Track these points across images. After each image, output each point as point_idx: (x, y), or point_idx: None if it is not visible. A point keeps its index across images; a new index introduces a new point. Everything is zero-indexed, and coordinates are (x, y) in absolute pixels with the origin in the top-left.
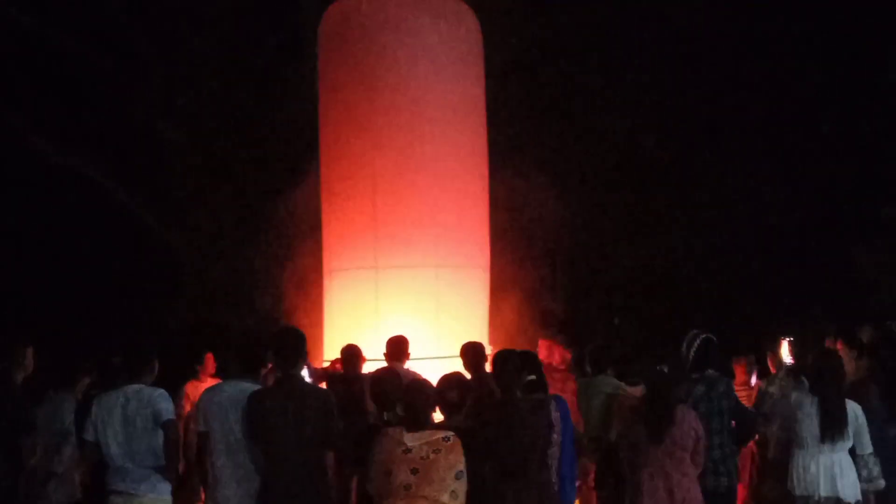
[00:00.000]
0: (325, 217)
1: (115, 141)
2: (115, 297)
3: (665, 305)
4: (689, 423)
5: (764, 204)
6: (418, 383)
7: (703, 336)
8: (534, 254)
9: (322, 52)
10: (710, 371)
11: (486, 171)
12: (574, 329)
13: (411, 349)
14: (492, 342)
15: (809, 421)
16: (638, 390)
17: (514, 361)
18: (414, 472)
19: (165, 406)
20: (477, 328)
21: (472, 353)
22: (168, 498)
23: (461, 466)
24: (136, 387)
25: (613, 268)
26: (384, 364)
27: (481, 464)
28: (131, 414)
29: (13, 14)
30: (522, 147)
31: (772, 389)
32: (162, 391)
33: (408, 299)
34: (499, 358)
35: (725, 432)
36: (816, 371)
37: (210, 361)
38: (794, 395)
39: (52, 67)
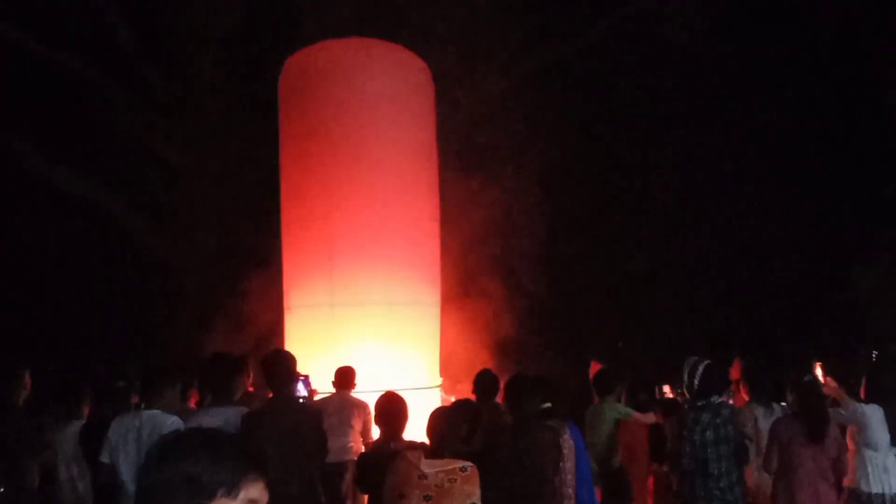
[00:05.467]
0: (285, 257)
1: (116, 162)
2: (110, 318)
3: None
4: (833, 433)
5: (762, 225)
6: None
7: (706, 363)
8: (490, 288)
9: (282, 101)
10: (715, 397)
11: (437, 214)
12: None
13: (366, 382)
14: (443, 374)
15: (882, 427)
16: (650, 416)
17: (526, 386)
18: (427, 498)
19: None
20: (427, 362)
21: (485, 380)
22: None
23: (476, 498)
24: (150, 412)
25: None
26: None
27: (486, 489)
28: (145, 439)
29: (16, 36)
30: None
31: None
32: (175, 418)
33: (361, 335)
34: (512, 383)
35: (732, 459)
36: (878, 384)
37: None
38: (862, 407)
39: (54, 88)
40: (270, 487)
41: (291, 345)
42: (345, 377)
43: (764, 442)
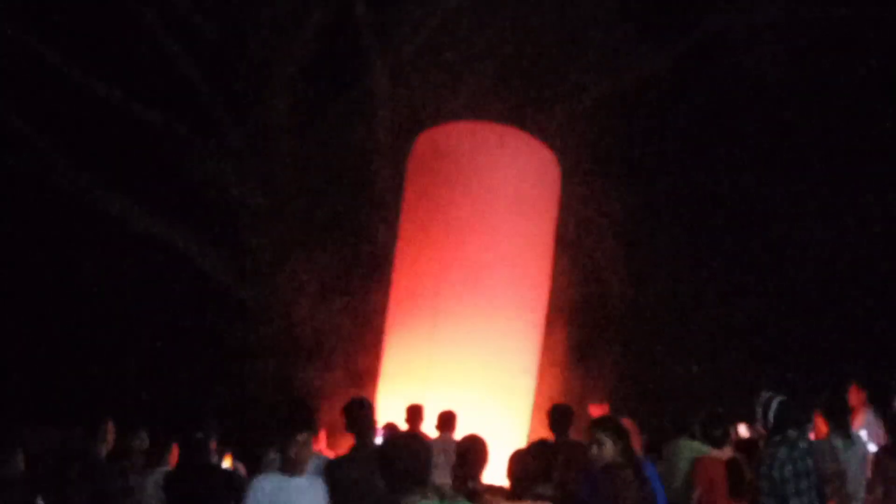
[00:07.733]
0: (388, 326)
1: (193, 205)
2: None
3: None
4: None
5: (811, 248)
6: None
7: (779, 398)
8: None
9: (409, 173)
10: (791, 432)
11: (544, 305)
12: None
13: None
14: None
15: None
16: (727, 451)
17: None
18: None
19: None
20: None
21: (556, 414)
22: None
23: None
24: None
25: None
26: None
27: None
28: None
29: (89, 81)
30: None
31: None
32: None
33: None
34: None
35: (813, 492)
36: None
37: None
38: None
39: (127, 132)
40: None
41: (382, 419)
42: (447, 420)
43: (848, 476)
